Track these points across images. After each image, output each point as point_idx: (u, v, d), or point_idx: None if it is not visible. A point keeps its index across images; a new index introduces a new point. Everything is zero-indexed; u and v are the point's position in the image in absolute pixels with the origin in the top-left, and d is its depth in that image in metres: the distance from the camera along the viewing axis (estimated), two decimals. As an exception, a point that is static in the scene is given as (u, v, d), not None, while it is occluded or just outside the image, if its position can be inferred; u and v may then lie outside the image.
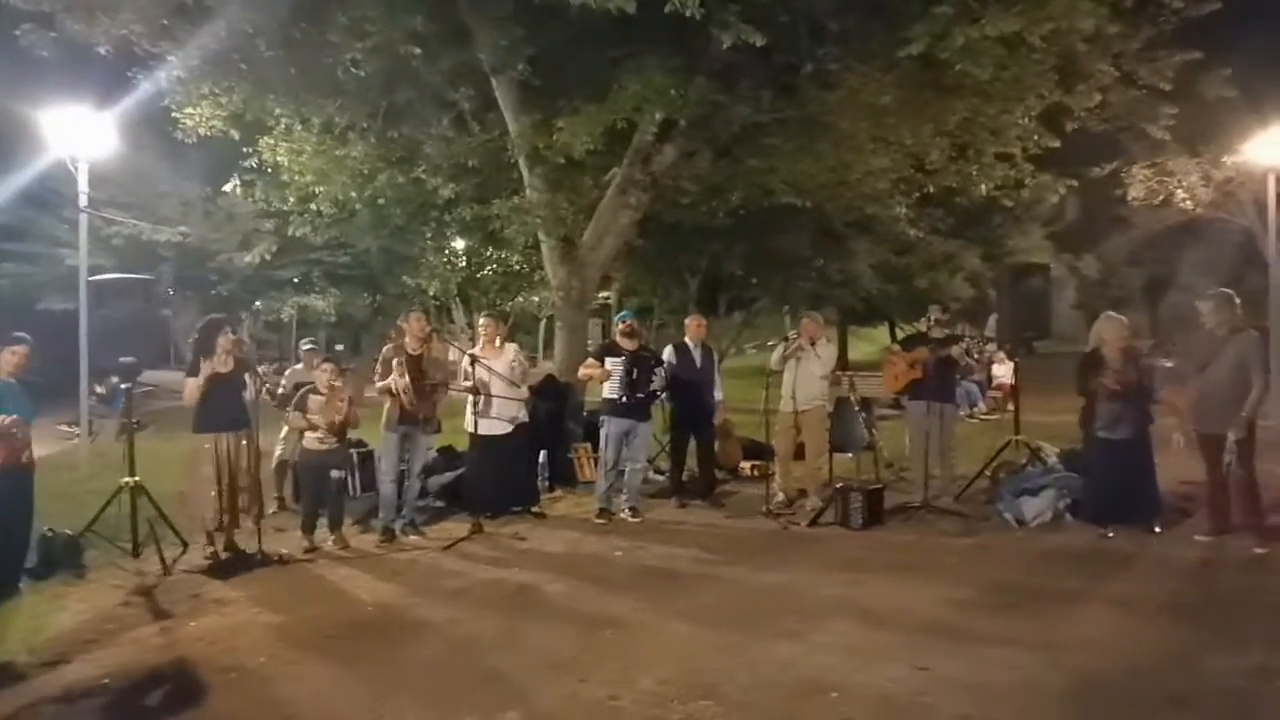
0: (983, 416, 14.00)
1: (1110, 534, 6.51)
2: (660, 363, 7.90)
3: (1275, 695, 3.86)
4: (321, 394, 6.80)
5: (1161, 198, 17.02)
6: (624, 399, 7.54)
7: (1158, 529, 6.55)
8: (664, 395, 7.98)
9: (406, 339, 7.13)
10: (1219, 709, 3.74)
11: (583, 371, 8.09)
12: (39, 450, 6.02)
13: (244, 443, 6.37)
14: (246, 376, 6.42)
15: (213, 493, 6.21)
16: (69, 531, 6.25)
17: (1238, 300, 6.34)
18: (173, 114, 10.09)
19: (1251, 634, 4.59)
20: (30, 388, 5.81)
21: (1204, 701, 3.81)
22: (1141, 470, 6.54)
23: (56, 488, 7.93)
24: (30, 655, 4.59)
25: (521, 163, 10.63)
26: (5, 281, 20.33)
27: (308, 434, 6.82)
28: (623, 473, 7.77)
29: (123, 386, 6.97)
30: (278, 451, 8.02)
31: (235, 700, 4.04)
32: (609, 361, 7.63)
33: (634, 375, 7.55)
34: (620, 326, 7.93)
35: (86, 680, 4.28)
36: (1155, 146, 13.94)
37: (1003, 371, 14.58)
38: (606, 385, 7.64)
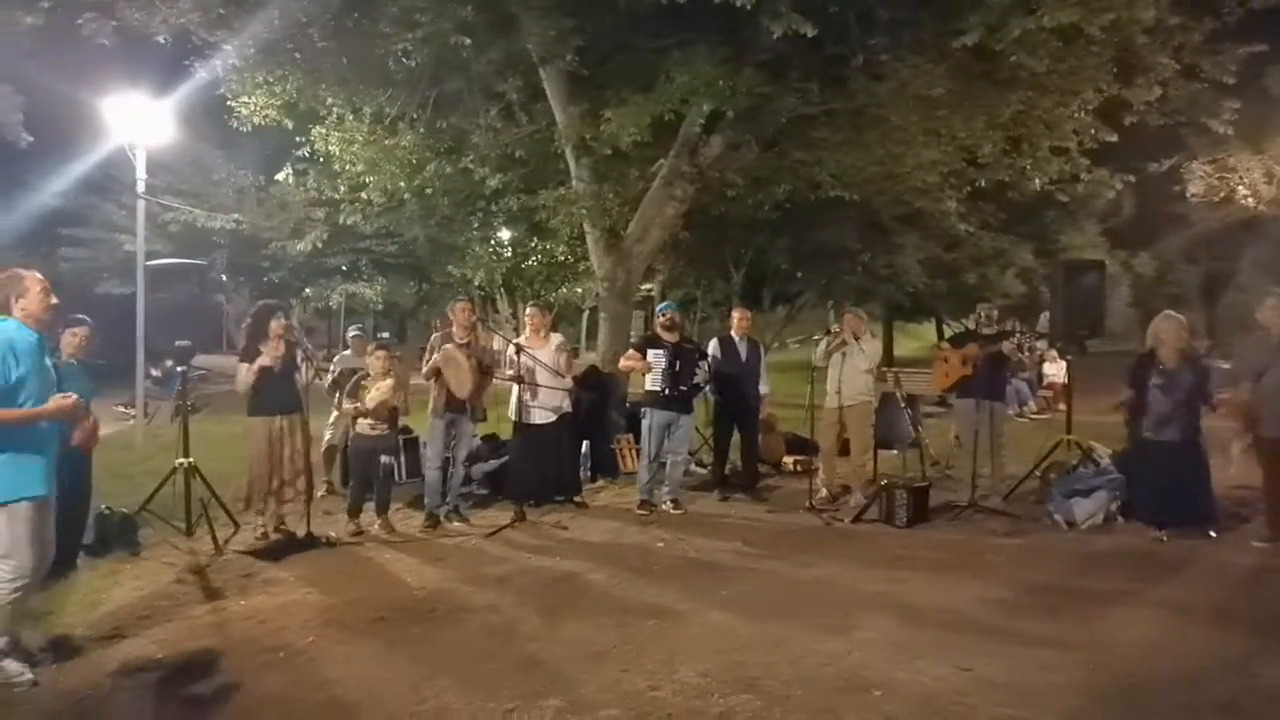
0: (1033, 415, 13.75)
1: (1163, 537, 6.37)
2: (703, 355, 7.88)
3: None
4: (375, 379, 6.90)
5: (1222, 194, 16.64)
6: (666, 391, 7.54)
7: (1213, 534, 6.39)
8: (708, 388, 7.96)
9: (454, 328, 7.21)
10: (1269, 717, 3.64)
11: (623, 363, 8.10)
12: (97, 430, 6.17)
13: (295, 426, 6.49)
14: (299, 361, 6.54)
15: (258, 473, 6.35)
16: (125, 510, 6.44)
17: None
18: (228, 103, 10.28)
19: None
20: (91, 369, 5.98)
21: (1254, 708, 3.72)
22: (1193, 474, 6.37)
23: (113, 467, 8.15)
24: (87, 629, 4.73)
25: (568, 153, 10.66)
26: (66, 265, 20.86)
27: (359, 420, 6.92)
28: (664, 464, 7.77)
29: (178, 369, 7.14)
30: (326, 436, 8.16)
31: (283, 679, 4.13)
32: (651, 354, 7.62)
33: (677, 368, 7.54)
34: (661, 319, 7.92)
35: (141, 655, 4.41)
36: (1217, 142, 13.62)
37: (1054, 370, 14.31)
38: (649, 377, 7.63)
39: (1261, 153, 15.68)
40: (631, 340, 9.66)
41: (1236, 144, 14.28)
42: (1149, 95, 9.28)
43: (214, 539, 6.33)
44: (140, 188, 11.91)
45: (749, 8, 7.68)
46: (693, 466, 9.23)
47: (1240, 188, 16.41)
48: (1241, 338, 6.92)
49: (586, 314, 22.17)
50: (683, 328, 8.18)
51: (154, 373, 14.04)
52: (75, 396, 4.09)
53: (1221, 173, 16.21)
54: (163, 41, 9.15)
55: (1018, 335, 7.95)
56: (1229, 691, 3.88)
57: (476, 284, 16.37)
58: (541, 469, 7.66)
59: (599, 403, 9.09)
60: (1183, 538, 6.34)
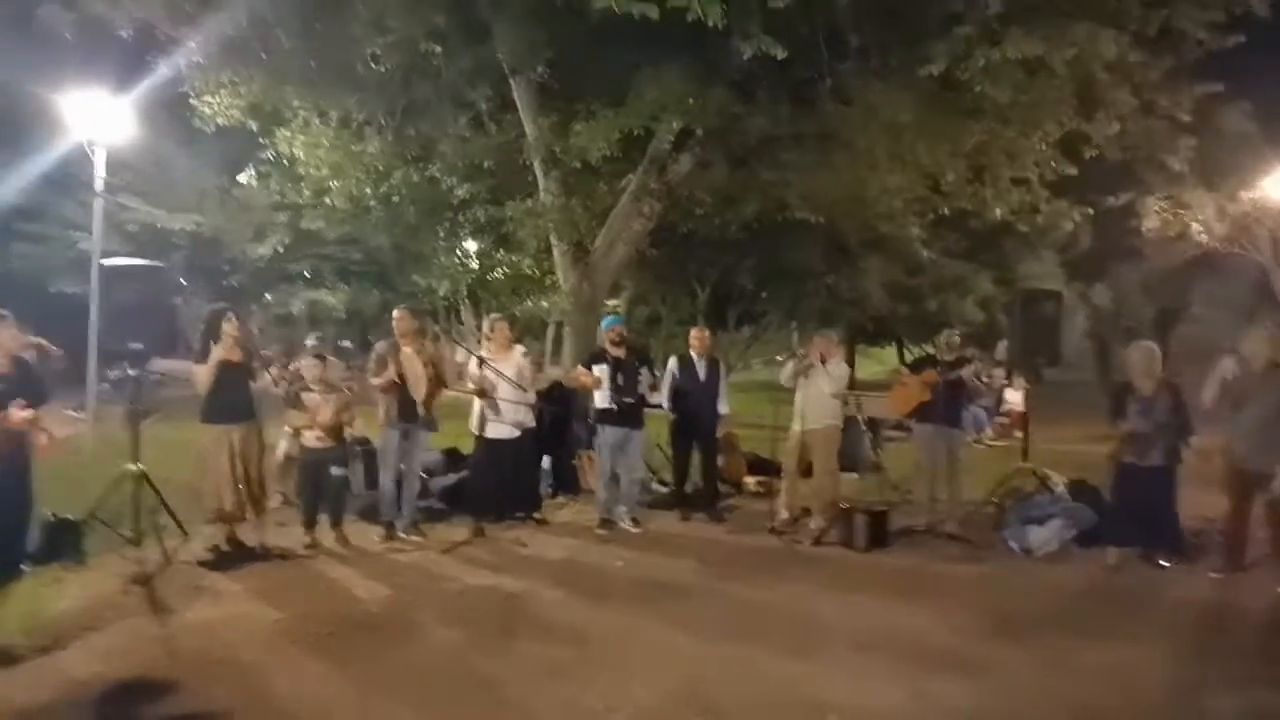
0: (990, 442, 13.92)
1: (1115, 563, 6.45)
2: (646, 362, 7.88)
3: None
4: (315, 391, 6.79)
5: (1176, 230, 17.02)
6: (615, 406, 7.53)
7: (1166, 563, 6.47)
8: (653, 396, 7.93)
9: (399, 336, 7.14)
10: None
11: (576, 379, 8.05)
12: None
13: (247, 434, 6.35)
14: (255, 367, 6.41)
15: (226, 484, 6.19)
16: (71, 516, 6.24)
17: None
18: (191, 101, 10.11)
19: (1253, 673, 4.55)
20: (26, 369, 5.74)
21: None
22: (1165, 499, 6.46)
23: (61, 471, 7.90)
24: (27, 639, 4.57)
25: (536, 165, 10.64)
26: (19, 263, 20.36)
27: (305, 431, 6.81)
28: (620, 481, 7.73)
29: (131, 373, 6.96)
30: (282, 445, 8.00)
31: (230, 693, 4.02)
32: (596, 369, 7.62)
33: (620, 381, 7.53)
34: (609, 335, 7.89)
35: (85, 667, 4.28)
36: (1172, 178, 13.93)
37: (1014, 398, 14.48)
38: (597, 395, 7.62)
39: (1215, 190, 16.07)
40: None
41: (1192, 181, 14.62)
42: (1108, 130, 9.48)
43: (162, 548, 6.17)
44: (99, 186, 11.65)
45: (720, 28, 7.72)
46: (654, 485, 9.19)
47: (1194, 224, 16.81)
48: (1195, 369, 7.01)
49: (552, 328, 22.11)
50: (629, 342, 8.13)
51: (112, 374, 13.70)
52: None
53: (1176, 209, 16.59)
54: (125, 36, 8.99)
55: (976, 362, 8.02)
56: (1177, 721, 3.92)
57: (441, 294, 16.23)
58: (502, 484, 7.56)
59: (562, 417, 9.03)
60: (1138, 566, 6.42)
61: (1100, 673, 4.51)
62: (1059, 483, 7.97)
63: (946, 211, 11.58)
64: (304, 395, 6.78)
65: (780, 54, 8.09)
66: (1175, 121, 9.82)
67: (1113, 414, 6.60)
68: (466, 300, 17.44)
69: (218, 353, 6.19)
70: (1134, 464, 6.46)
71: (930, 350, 9.19)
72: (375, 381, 7.03)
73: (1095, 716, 3.97)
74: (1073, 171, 10.17)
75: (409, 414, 7.00)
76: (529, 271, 14.76)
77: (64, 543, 6.02)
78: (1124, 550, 6.56)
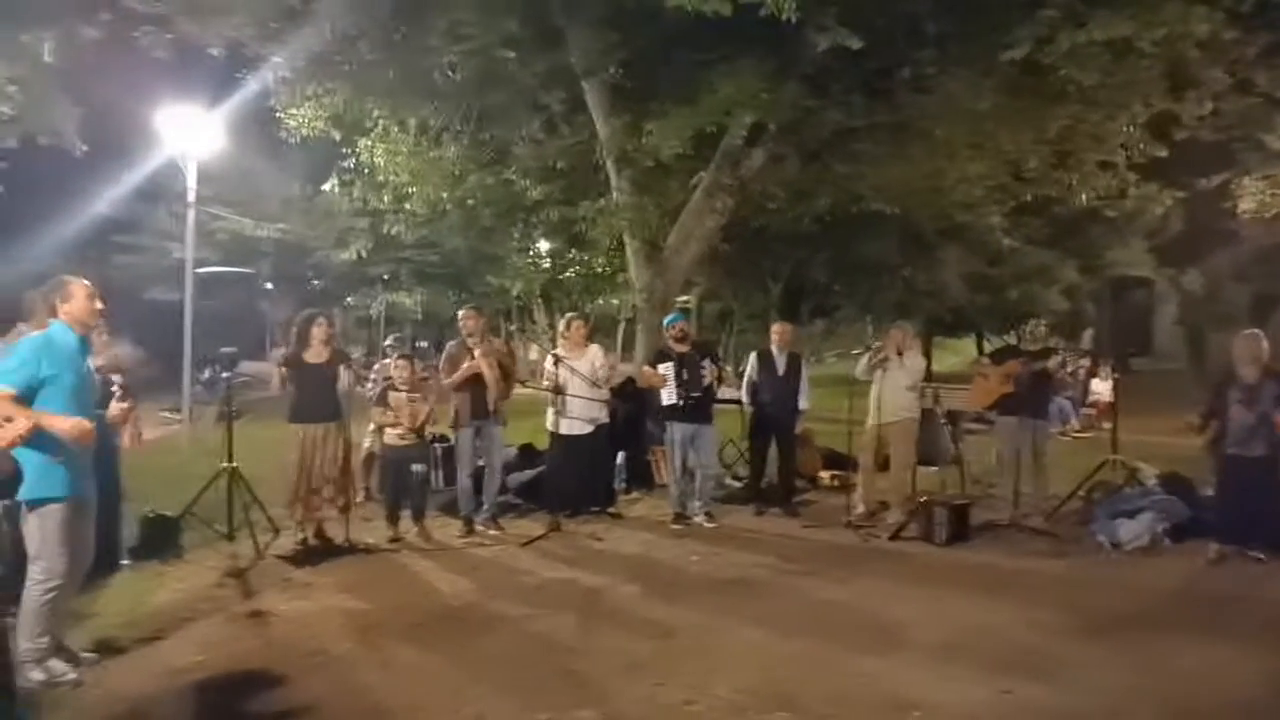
0: (1076, 434, 13.51)
1: (1215, 557, 6.21)
2: (708, 356, 7.84)
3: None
4: (400, 390, 6.98)
5: (1275, 211, 16.26)
6: (681, 403, 7.53)
7: (1261, 556, 6.20)
8: (721, 389, 7.89)
9: (465, 336, 7.27)
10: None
11: (647, 379, 8.07)
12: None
13: (333, 433, 6.55)
14: (341, 368, 6.61)
15: (292, 480, 6.41)
16: (169, 513, 6.54)
17: None
18: (277, 114, 10.47)
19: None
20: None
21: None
22: (1269, 491, 6.17)
23: (158, 470, 8.28)
24: (131, 630, 4.80)
25: (609, 165, 10.68)
26: (116, 272, 21.35)
27: (388, 429, 7.00)
28: (694, 477, 7.74)
29: (223, 375, 7.26)
30: (366, 443, 8.23)
31: (323, 684, 4.16)
32: (661, 368, 7.63)
33: (684, 377, 7.52)
34: (671, 331, 7.89)
35: (185, 657, 4.47)
36: (1270, 157, 13.30)
37: (1102, 388, 14.02)
38: (664, 392, 7.62)
39: (1317, 168, 15.27)
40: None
41: (1290, 160, 13.92)
42: (1200, 110, 9.11)
43: (255, 543, 6.42)
44: (190, 197, 12.15)
45: (794, 21, 7.64)
46: (728, 480, 9.17)
47: (1294, 205, 16.00)
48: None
49: (623, 325, 22.23)
50: (691, 336, 8.12)
51: (203, 377, 14.25)
52: (88, 423, 3.97)
53: (1274, 189, 15.82)
54: (216, 54, 9.35)
55: (1061, 352, 7.79)
56: (1281, 722, 3.76)
57: (515, 294, 16.50)
58: (577, 480, 7.66)
59: (635, 414, 9.07)
60: (1234, 561, 6.17)
61: (1193, 673, 4.34)
62: (1150, 475, 7.70)
63: (1029, 198, 11.28)
64: (390, 395, 6.99)
65: (856, 45, 7.97)
66: (1273, 99, 9.38)
67: (1211, 404, 6.36)
68: (539, 299, 17.69)
69: (304, 357, 6.40)
70: (1238, 455, 6.22)
71: (1011, 341, 8.97)
72: (447, 381, 7.18)
73: (1193, 716, 3.83)
74: (1163, 153, 9.80)
75: (481, 412, 7.12)
76: (601, 270, 14.91)
77: (162, 538, 6.31)
78: (1224, 545, 6.31)
